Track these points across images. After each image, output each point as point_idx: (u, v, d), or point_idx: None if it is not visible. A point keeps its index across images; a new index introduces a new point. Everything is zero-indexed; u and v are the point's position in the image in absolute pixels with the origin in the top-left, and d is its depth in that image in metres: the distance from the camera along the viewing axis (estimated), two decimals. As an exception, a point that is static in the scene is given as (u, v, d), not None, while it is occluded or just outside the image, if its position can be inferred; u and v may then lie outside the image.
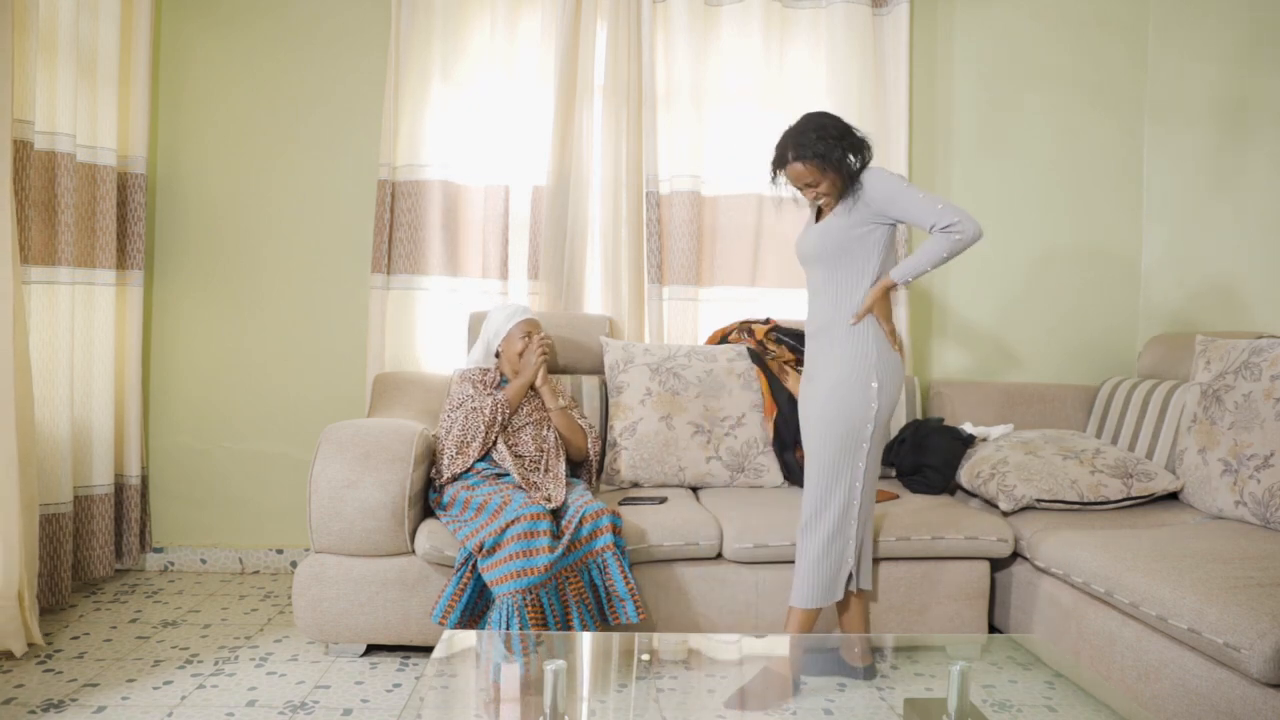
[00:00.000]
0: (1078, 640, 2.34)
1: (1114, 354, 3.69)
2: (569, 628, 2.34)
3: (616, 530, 2.45)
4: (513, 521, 2.34)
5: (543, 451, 2.75)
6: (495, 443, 2.70)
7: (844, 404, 2.25)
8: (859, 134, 2.29)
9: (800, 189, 2.31)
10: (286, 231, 3.48)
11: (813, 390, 2.33)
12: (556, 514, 2.49)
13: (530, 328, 2.90)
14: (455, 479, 2.64)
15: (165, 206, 3.46)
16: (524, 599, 2.27)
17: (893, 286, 2.28)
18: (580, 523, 2.43)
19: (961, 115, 3.66)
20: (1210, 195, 3.34)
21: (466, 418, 2.68)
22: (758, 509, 2.70)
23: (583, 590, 2.40)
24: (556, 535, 2.40)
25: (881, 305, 2.28)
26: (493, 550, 2.34)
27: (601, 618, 2.41)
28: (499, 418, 2.70)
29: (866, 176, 2.27)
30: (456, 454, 2.64)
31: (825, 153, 2.22)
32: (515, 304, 3.02)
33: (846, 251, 2.28)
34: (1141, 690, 2.07)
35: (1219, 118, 3.31)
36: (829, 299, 2.32)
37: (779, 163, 2.31)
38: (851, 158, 2.26)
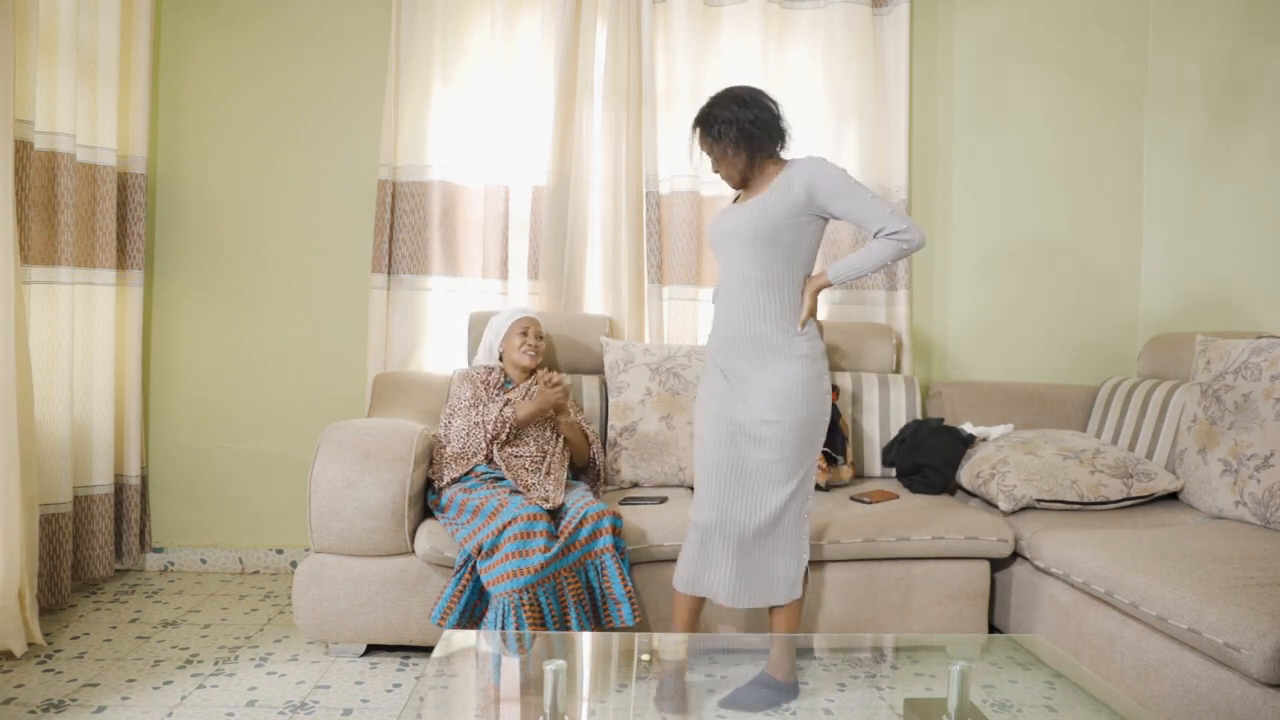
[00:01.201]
0: (1078, 640, 2.34)
1: (1114, 354, 3.69)
2: (567, 628, 2.34)
3: (617, 532, 2.45)
4: (509, 523, 2.34)
5: (544, 453, 2.74)
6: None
7: (811, 403, 2.18)
8: (771, 115, 2.20)
9: (708, 156, 2.26)
10: (286, 231, 3.48)
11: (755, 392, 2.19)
12: (556, 515, 2.49)
13: (527, 324, 2.88)
14: (454, 481, 2.63)
15: (165, 206, 3.46)
16: (520, 598, 2.27)
17: (826, 286, 2.20)
18: (580, 523, 2.43)
19: (961, 115, 3.66)
20: (1210, 195, 3.34)
21: (469, 432, 2.65)
22: (758, 509, 2.69)
23: (580, 591, 2.40)
24: (554, 536, 2.39)
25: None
26: (490, 552, 2.34)
27: (596, 620, 2.41)
28: (502, 435, 2.66)
29: (809, 165, 2.16)
30: (455, 464, 2.64)
31: (720, 131, 2.17)
32: (513, 305, 3.02)
33: (778, 240, 2.14)
34: (1141, 690, 2.07)
35: (1220, 117, 3.31)
36: (758, 294, 2.17)
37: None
38: (753, 140, 2.17)
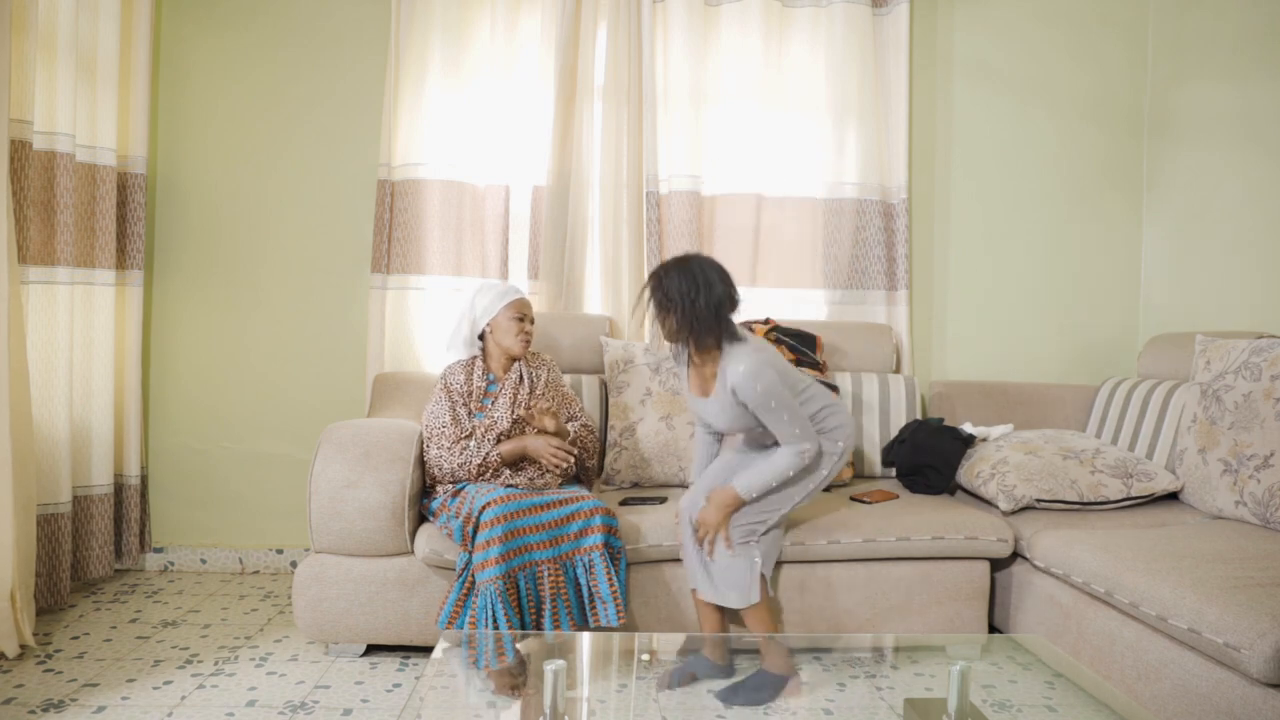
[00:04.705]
0: (1078, 640, 2.34)
1: (1114, 354, 3.69)
2: (541, 620, 2.31)
3: (610, 530, 2.42)
4: (490, 504, 2.33)
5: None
6: None
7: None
8: (718, 299, 2.24)
9: None
10: (286, 231, 3.48)
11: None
12: (551, 510, 2.46)
13: (524, 308, 2.72)
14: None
15: (165, 206, 3.46)
16: (504, 584, 2.25)
17: (739, 501, 2.30)
18: (570, 518, 2.41)
19: (961, 115, 3.66)
20: (1210, 194, 3.34)
21: (452, 473, 2.56)
22: (758, 509, 2.69)
23: (561, 585, 2.36)
24: (542, 526, 2.38)
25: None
26: (475, 531, 2.32)
27: (582, 618, 2.38)
28: (488, 473, 2.57)
29: (735, 374, 2.22)
30: (447, 482, 2.61)
31: (665, 310, 2.27)
32: (506, 284, 2.81)
33: (751, 419, 2.32)
34: (1141, 690, 2.07)
35: (1219, 116, 3.31)
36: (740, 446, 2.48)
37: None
38: (695, 324, 2.25)
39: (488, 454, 2.55)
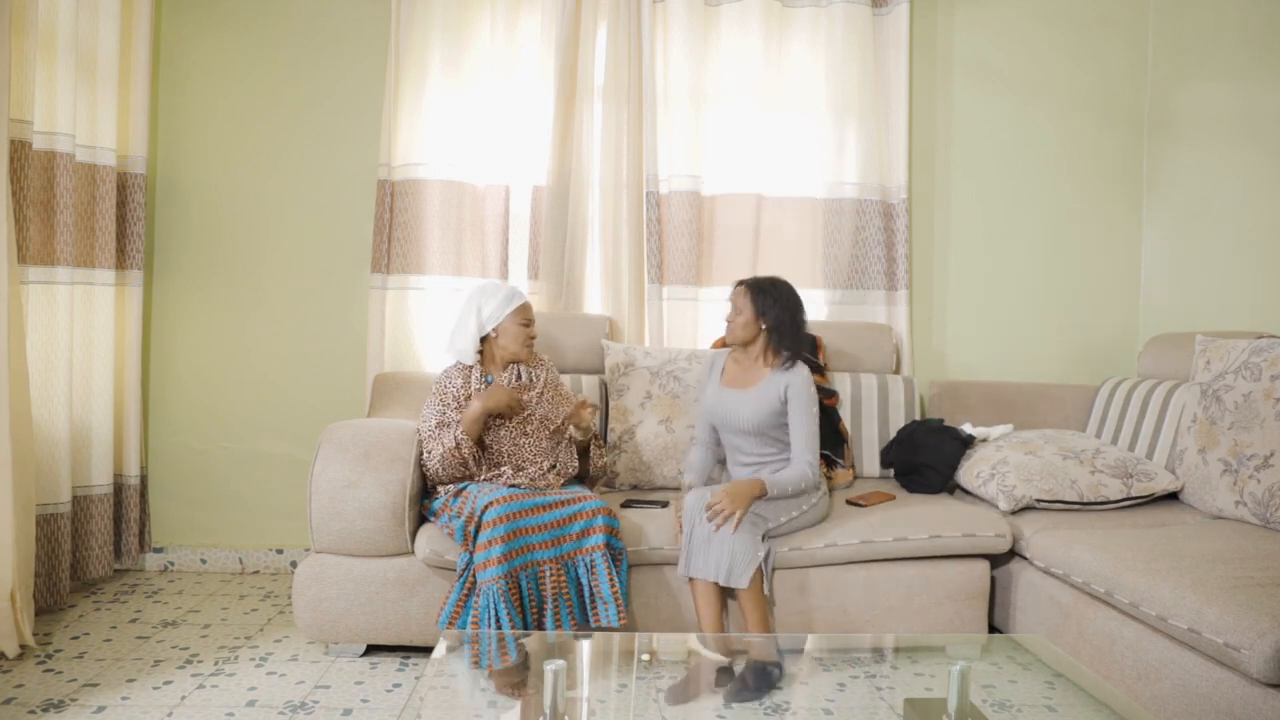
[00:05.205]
0: (1078, 640, 2.34)
1: (1114, 354, 3.69)
2: (542, 620, 2.33)
3: (612, 531, 2.43)
4: (493, 503, 2.33)
5: (553, 449, 2.71)
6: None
7: None
8: (802, 326, 2.66)
9: (731, 304, 2.68)
10: (286, 231, 3.48)
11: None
12: (554, 510, 2.47)
13: (529, 315, 2.72)
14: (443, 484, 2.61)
15: (165, 206, 3.46)
16: (506, 584, 2.26)
17: (763, 493, 2.49)
18: (573, 518, 2.42)
19: (961, 115, 3.66)
20: (1210, 194, 3.34)
21: (442, 460, 2.54)
22: (758, 509, 2.69)
23: (563, 585, 2.36)
24: (544, 526, 2.38)
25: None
26: (478, 531, 2.32)
27: (583, 618, 2.39)
28: (472, 463, 2.56)
29: (802, 373, 2.59)
30: (446, 483, 2.60)
31: (764, 307, 2.61)
32: (508, 286, 2.75)
33: (777, 424, 2.60)
34: (1141, 690, 2.07)
35: (1219, 116, 3.31)
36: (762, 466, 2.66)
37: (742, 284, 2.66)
38: (783, 328, 2.60)
39: (457, 433, 2.53)
